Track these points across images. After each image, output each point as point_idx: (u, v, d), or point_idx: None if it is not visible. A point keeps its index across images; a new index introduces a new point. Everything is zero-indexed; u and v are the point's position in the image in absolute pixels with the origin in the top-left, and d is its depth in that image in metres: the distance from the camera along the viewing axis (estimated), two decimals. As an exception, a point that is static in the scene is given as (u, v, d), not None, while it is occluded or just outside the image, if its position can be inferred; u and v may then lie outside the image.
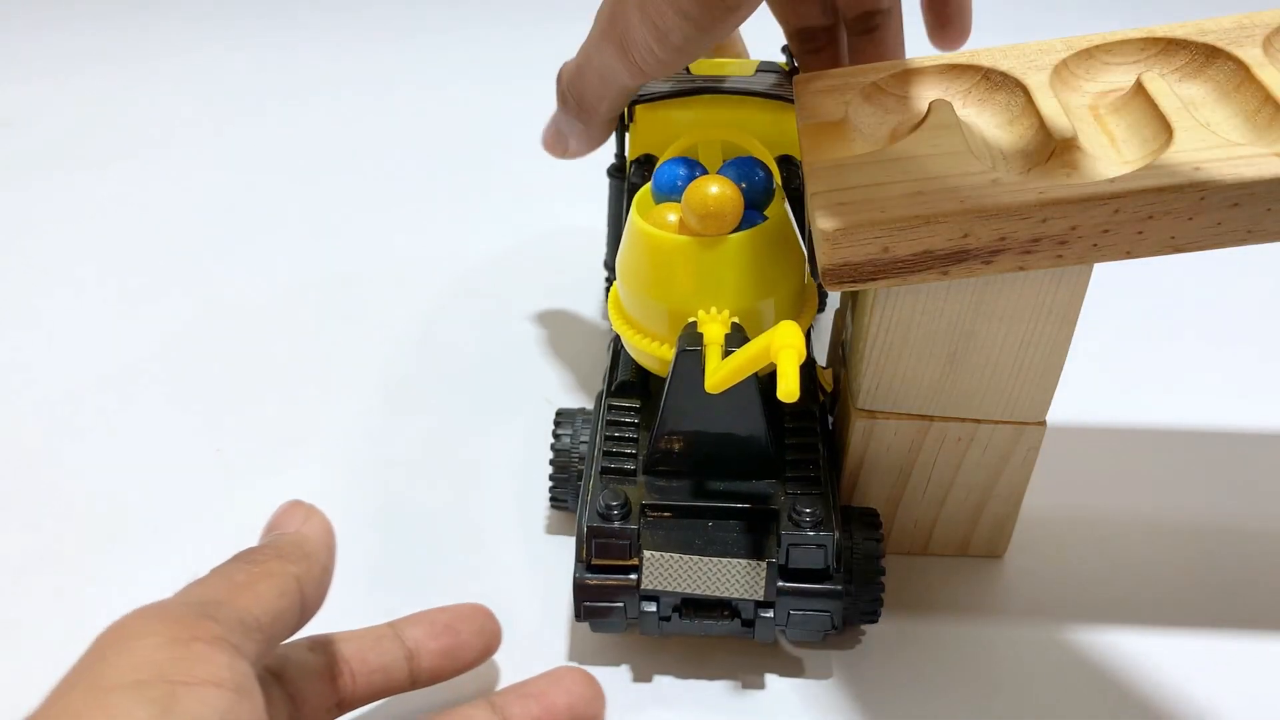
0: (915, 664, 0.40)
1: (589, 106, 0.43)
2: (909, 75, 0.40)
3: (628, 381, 0.43)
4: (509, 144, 0.71)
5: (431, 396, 0.53)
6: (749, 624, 0.37)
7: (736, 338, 0.37)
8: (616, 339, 0.44)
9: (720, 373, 0.34)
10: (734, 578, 0.36)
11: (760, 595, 0.36)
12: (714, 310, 0.38)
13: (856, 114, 0.39)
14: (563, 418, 0.43)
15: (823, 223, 0.34)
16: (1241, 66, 0.37)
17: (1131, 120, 0.37)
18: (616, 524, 0.36)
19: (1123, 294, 0.59)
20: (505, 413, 0.51)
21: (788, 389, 0.30)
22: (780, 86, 0.46)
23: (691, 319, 0.38)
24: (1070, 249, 0.34)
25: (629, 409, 0.42)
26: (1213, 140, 0.34)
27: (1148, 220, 0.33)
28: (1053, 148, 0.35)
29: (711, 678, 0.39)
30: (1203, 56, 0.38)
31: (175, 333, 0.57)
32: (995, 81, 0.39)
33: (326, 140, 0.78)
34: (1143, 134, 0.36)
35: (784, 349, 0.31)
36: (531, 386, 0.53)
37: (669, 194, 0.41)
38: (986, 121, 0.39)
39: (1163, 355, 0.56)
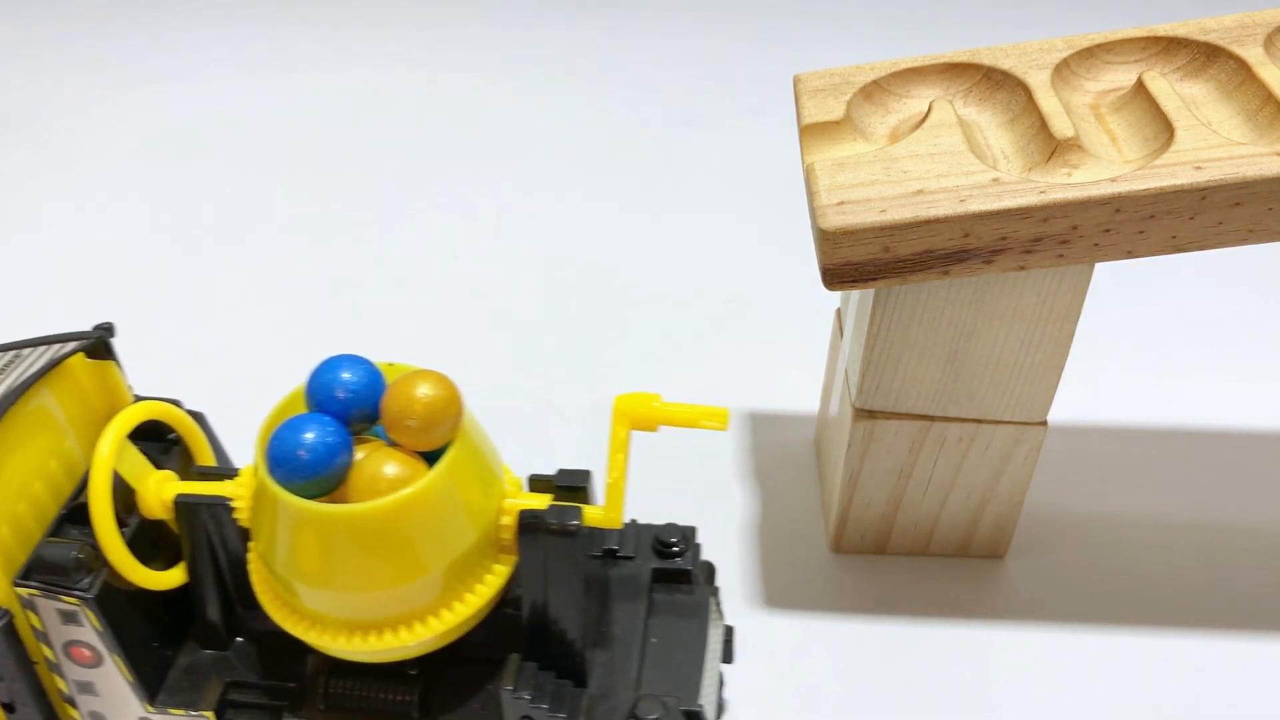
0: (916, 664, 0.40)
1: None
2: (909, 74, 0.40)
3: None
4: (506, 141, 0.71)
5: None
6: None
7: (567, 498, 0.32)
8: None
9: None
10: None
11: None
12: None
13: (857, 113, 0.39)
14: None
15: (823, 222, 0.34)
16: (1243, 65, 0.37)
17: (1133, 119, 0.36)
18: None
19: (1124, 293, 0.59)
20: (505, 414, 0.51)
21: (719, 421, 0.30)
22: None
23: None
24: (1071, 248, 0.34)
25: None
26: (1214, 139, 0.34)
27: (1149, 220, 0.33)
28: (1054, 147, 0.35)
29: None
30: (1204, 55, 0.38)
31: (176, 332, 0.57)
32: (996, 80, 0.39)
33: (326, 138, 0.78)
34: (1144, 133, 0.36)
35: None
36: (532, 389, 0.53)
37: (325, 404, 0.30)
38: (987, 120, 0.39)
39: (1163, 355, 0.56)
